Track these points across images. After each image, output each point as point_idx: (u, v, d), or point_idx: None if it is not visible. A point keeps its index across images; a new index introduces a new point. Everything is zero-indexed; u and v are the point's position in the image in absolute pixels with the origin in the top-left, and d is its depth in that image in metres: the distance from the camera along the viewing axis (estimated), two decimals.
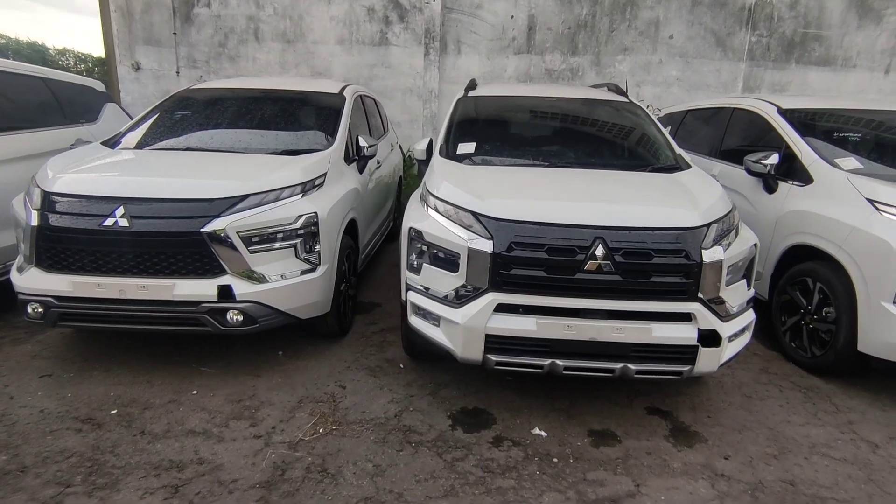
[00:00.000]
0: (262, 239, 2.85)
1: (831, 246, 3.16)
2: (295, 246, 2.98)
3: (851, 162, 3.43)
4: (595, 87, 4.73)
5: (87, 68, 18.26)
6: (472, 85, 4.35)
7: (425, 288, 2.66)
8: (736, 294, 2.51)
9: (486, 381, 3.07)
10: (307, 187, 3.14)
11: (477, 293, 2.44)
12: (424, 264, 2.66)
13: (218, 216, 2.74)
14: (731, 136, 4.59)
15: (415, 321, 2.71)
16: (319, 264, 3.11)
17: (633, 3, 8.38)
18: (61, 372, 3.06)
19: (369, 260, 4.70)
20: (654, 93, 8.59)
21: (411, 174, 8.25)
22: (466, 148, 3.42)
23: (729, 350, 2.45)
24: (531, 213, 2.44)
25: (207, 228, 2.70)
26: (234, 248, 2.76)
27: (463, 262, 2.47)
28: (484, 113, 3.97)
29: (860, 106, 4.18)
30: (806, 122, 3.91)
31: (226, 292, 2.76)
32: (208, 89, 4.34)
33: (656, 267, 2.33)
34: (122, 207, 2.70)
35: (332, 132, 3.86)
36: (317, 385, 3.02)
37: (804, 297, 3.39)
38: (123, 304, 2.74)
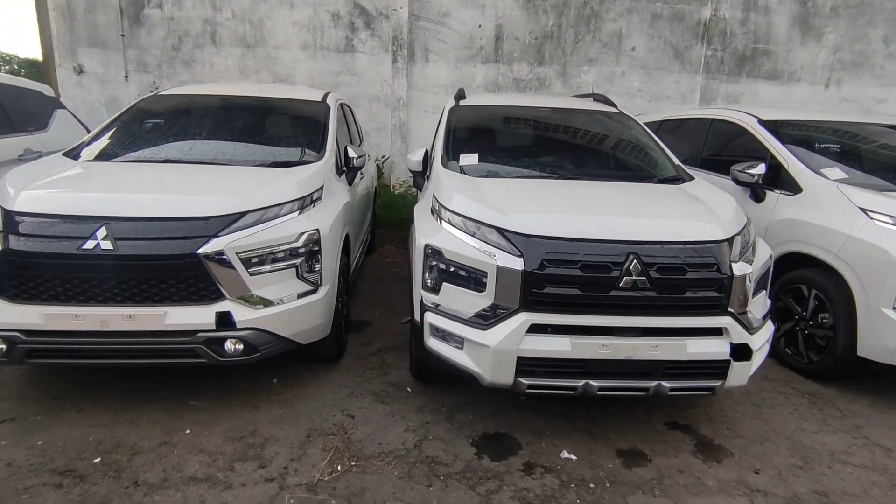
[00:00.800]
0: (262, 260, 2.61)
1: (827, 254, 3.25)
2: (297, 266, 2.76)
3: (837, 172, 3.56)
4: (580, 97, 4.74)
5: (12, 70, 16.93)
6: (461, 94, 4.25)
7: (445, 308, 2.51)
8: (759, 306, 2.52)
9: (500, 403, 2.95)
10: (306, 202, 2.93)
11: (507, 314, 2.32)
12: (444, 283, 2.52)
13: (215, 236, 2.49)
14: (711, 146, 4.70)
15: (434, 344, 2.56)
16: (321, 284, 2.89)
17: (596, 15, 8.57)
18: (26, 415, 2.69)
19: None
20: (619, 103, 8.69)
21: (381, 183, 8.07)
22: (469, 159, 3.31)
23: (756, 362, 2.45)
24: (562, 228, 2.34)
25: (204, 250, 2.44)
26: (233, 270, 2.51)
27: (490, 281, 2.34)
28: (479, 123, 3.87)
29: (832, 118, 4.38)
30: (786, 132, 4.05)
31: (225, 319, 2.51)
32: (180, 96, 4.02)
33: (690, 282, 2.29)
34: (103, 228, 2.40)
35: (320, 143, 3.65)
36: (322, 416, 2.80)
37: (798, 303, 3.48)
38: (106, 337, 2.43)
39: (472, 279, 2.42)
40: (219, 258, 2.47)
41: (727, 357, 2.33)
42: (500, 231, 2.41)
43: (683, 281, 2.29)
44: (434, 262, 2.56)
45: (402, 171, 8.64)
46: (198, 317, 2.49)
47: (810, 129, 4.22)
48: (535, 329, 2.29)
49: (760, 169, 3.76)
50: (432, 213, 2.82)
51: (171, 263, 2.43)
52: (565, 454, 2.54)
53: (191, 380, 3.03)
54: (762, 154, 4.00)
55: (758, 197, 3.88)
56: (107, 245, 2.38)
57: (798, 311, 3.47)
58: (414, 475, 2.34)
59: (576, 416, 2.85)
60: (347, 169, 3.88)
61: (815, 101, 8.94)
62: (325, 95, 4.31)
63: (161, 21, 8.16)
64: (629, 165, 3.44)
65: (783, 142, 3.92)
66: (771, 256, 2.71)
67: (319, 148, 3.60)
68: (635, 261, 2.26)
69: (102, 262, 2.39)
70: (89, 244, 2.37)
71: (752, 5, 8.56)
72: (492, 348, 2.30)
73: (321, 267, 2.88)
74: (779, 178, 3.80)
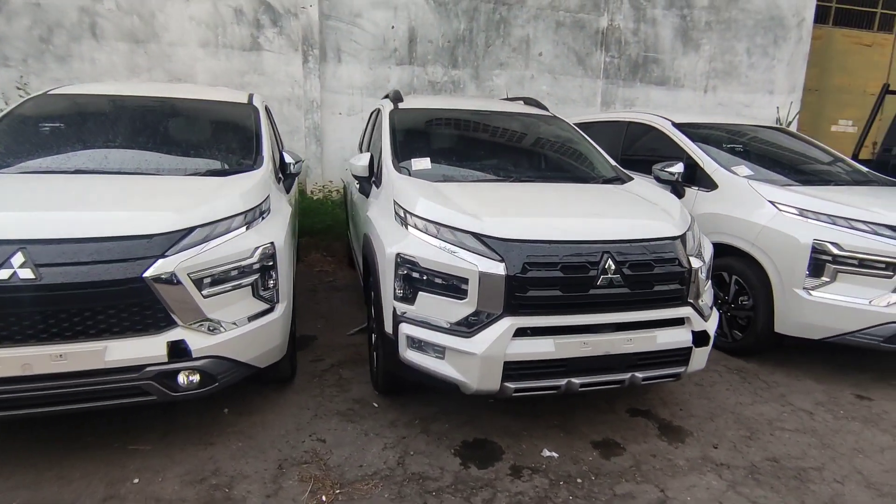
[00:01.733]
0: (216, 280, 2.35)
1: (744, 243, 3.62)
2: (253, 284, 2.52)
3: (744, 169, 3.99)
4: (510, 99, 4.85)
5: None
6: (398, 96, 4.16)
7: (423, 318, 2.44)
8: (708, 296, 2.74)
9: (472, 409, 2.93)
10: (256, 215, 2.69)
11: (491, 319, 2.30)
12: (420, 293, 2.44)
13: (162, 256, 2.19)
14: (629, 147, 5.04)
15: (412, 356, 2.47)
16: (278, 302, 2.68)
17: (505, 21, 8.85)
18: None
19: None
20: None
21: (298, 188, 7.69)
22: (422, 163, 3.25)
23: (709, 347, 2.65)
24: (541, 231, 2.37)
25: (151, 272, 2.15)
26: (185, 293, 2.24)
27: (472, 287, 2.31)
28: (423, 126, 3.82)
29: (729, 121, 4.91)
30: (697, 134, 4.46)
31: (178, 349, 2.22)
32: (80, 95, 3.51)
33: (657, 276, 2.43)
34: (20, 253, 2.02)
35: (255, 148, 3.38)
36: (290, 443, 2.59)
37: (720, 289, 3.84)
38: (30, 383, 2.05)
39: (451, 287, 2.37)
40: (168, 281, 2.18)
41: (689, 344, 2.51)
42: (478, 237, 2.38)
43: (651, 276, 2.42)
44: (407, 271, 2.48)
45: (317, 176, 8.32)
46: (145, 349, 2.18)
47: (715, 131, 4.68)
48: (519, 333, 2.29)
49: (679, 168, 4.09)
50: (397, 219, 2.72)
51: (111, 291, 2.11)
52: (546, 452, 2.58)
53: (123, 420, 2.66)
54: (678, 154, 4.36)
55: (678, 193, 4.21)
56: (26, 274, 2.00)
57: (721, 296, 3.83)
58: (405, 495, 2.25)
59: (546, 414, 2.91)
60: (284, 176, 3.64)
61: (697, 105, 9.96)
62: (251, 96, 4.01)
63: (25, 7, 7.11)
64: (574, 167, 3.58)
65: (696, 143, 4.31)
66: (712, 250, 2.96)
67: (254, 154, 3.33)
68: (609, 260, 2.35)
69: (21, 294, 2.00)
70: (3, 273, 1.98)
71: (641, 17, 9.33)
72: (479, 355, 2.27)
73: (277, 283, 2.66)
74: (695, 176, 4.16)
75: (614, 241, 2.39)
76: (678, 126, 4.52)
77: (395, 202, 2.80)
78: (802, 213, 3.40)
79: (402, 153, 3.38)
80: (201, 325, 2.30)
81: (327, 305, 4.63)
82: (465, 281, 2.32)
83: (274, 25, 7.96)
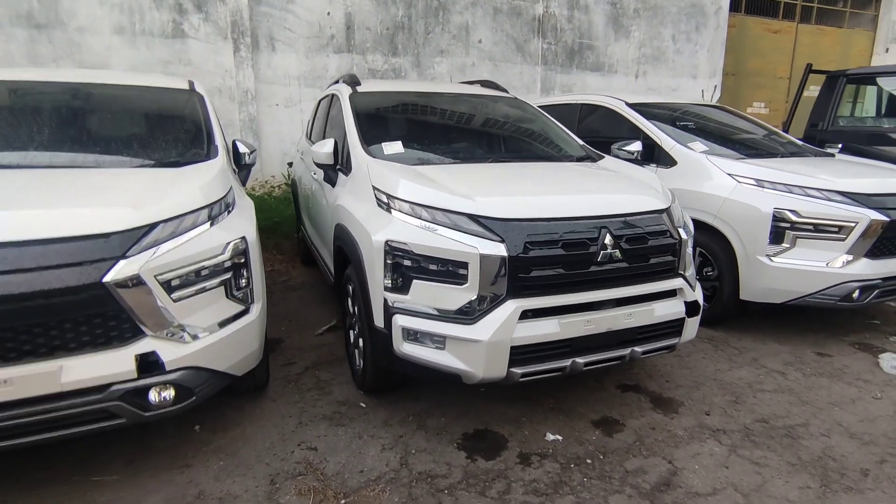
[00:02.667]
0: (186, 281, 2.08)
1: (708, 216, 3.74)
2: (226, 283, 2.27)
3: (699, 145, 4.12)
4: (468, 83, 4.75)
5: None
6: (354, 80, 3.94)
7: (419, 308, 2.29)
8: (692, 267, 2.78)
9: (465, 399, 2.82)
10: (221, 208, 2.42)
11: (494, 303, 2.20)
12: (415, 281, 2.29)
13: (123, 256, 1.90)
14: (584, 128, 5.09)
15: (409, 349, 2.32)
16: (253, 302, 2.43)
17: (444, 7, 8.73)
18: None
19: None
20: None
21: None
22: (393, 147, 3.08)
23: (699, 316, 2.69)
24: (538, 209, 2.29)
25: (112, 276, 1.85)
26: (152, 298, 1.96)
27: (473, 271, 2.19)
28: (387, 109, 3.63)
29: (674, 101, 5.07)
30: (650, 113, 4.56)
31: (149, 362, 1.95)
32: None
33: (652, 249, 2.43)
34: None
35: (206, 137, 3.07)
36: (278, 456, 2.37)
37: None
38: None
39: (448, 272, 2.24)
40: (133, 285, 1.90)
41: (683, 315, 2.53)
42: (474, 218, 2.26)
43: (647, 249, 2.41)
44: (398, 259, 2.32)
45: (256, 172, 7.84)
46: (109, 365, 1.89)
47: (665, 110, 4.81)
48: (524, 315, 2.20)
49: (637, 146, 4.14)
50: (379, 205, 2.54)
51: (65, 301, 1.80)
52: (550, 436, 2.52)
53: (78, 449, 2.32)
54: (634, 133, 4.44)
55: None
56: None
57: None
58: (417, 496, 2.11)
59: (540, 397, 2.86)
60: (239, 167, 3.34)
61: (630, 89, 10.31)
62: (191, 83, 3.66)
63: None
64: (546, 147, 3.54)
65: (651, 121, 4.41)
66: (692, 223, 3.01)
67: (206, 143, 3.02)
68: (608, 235, 2.31)
69: None
70: None
71: (575, 4, 9.51)
72: (485, 342, 2.16)
73: (251, 282, 2.41)
74: (653, 154, 4.25)
75: (610, 216, 2.36)
76: (632, 106, 4.60)
77: (376, 187, 2.62)
78: (760, 183, 3.55)
79: (369, 138, 3.19)
80: (173, 332, 2.03)
81: (287, 306, 4.35)
82: (465, 265, 2.20)
83: (199, 11, 7.38)
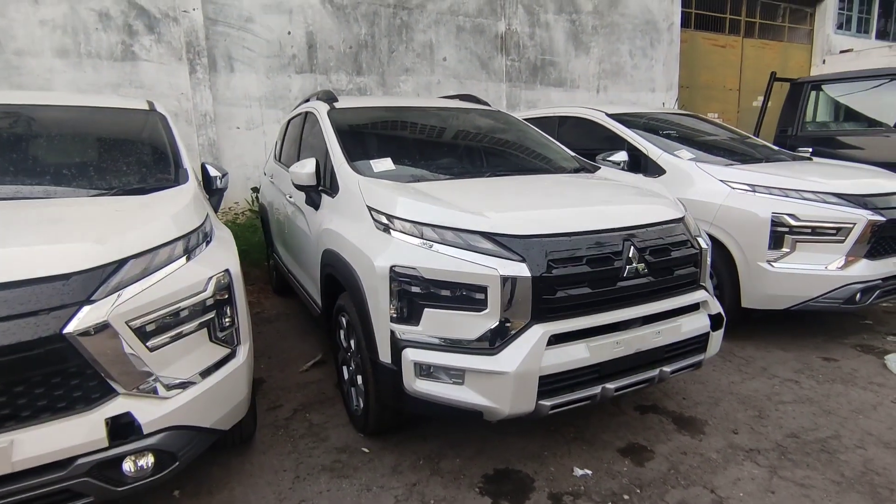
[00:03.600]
0: (163, 325, 1.77)
1: (704, 224, 3.65)
2: (209, 325, 1.96)
3: (686, 153, 4.07)
4: (448, 97, 4.59)
5: None
6: (331, 96, 3.70)
7: (432, 339, 2.05)
8: (709, 279, 2.65)
9: (477, 437, 2.57)
10: (199, 238, 2.12)
11: (519, 330, 1.98)
12: (426, 310, 2.05)
13: (88, 301, 1.58)
14: (563, 140, 5.00)
15: (422, 386, 2.06)
16: (239, 344, 2.13)
17: (407, 26, 8.63)
18: None
19: None
20: None
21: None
22: (383, 164, 2.85)
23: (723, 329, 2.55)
24: (558, 224, 2.10)
25: (75, 326, 1.53)
26: (123, 348, 1.64)
27: (493, 294, 1.97)
28: (369, 126, 3.41)
29: (649, 111, 5.08)
30: (631, 123, 4.51)
31: (122, 426, 1.62)
32: None
33: (676, 261, 2.28)
34: None
35: (172, 160, 2.77)
36: None
37: None
38: None
39: (464, 297, 2.01)
40: (100, 333, 1.58)
41: (708, 329, 2.38)
42: (489, 236, 2.05)
43: (671, 261, 2.26)
44: (405, 286, 2.07)
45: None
46: (73, 435, 1.55)
47: (644, 120, 4.78)
48: (552, 341, 1.99)
49: (623, 156, 4.06)
50: (377, 227, 2.30)
51: (16, 359, 1.46)
52: (578, 471, 2.30)
53: None
54: (617, 144, 4.37)
55: None
56: None
57: None
58: None
59: (557, 426, 2.64)
60: (210, 193, 3.03)
61: (593, 103, 10.46)
62: (151, 103, 3.33)
63: None
64: (540, 159, 3.38)
65: (634, 131, 4.35)
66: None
67: (173, 168, 2.71)
68: (632, 247, 2.14)
69: None
70: None
71: (536, 22, 9.62)
72: (511, 373, 1.93)
73: (236, 321, 2.11)
74: (639, 164, 4.18)
75: (633, 227, 2.20)
76: (613, 116, 4.55)
77: (372, 207, 2.37)
78: (755, 188, 3.50)
79: (355, 155, 2.95)
80: (149, 388, 1.71)
81: (264, 340, 3.99)
82: (483, 289, 1.98)
83: (150, 32, 7.00)
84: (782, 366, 3.30)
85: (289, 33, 7.82)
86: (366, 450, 2.51)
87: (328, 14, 8.09)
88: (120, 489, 1.65)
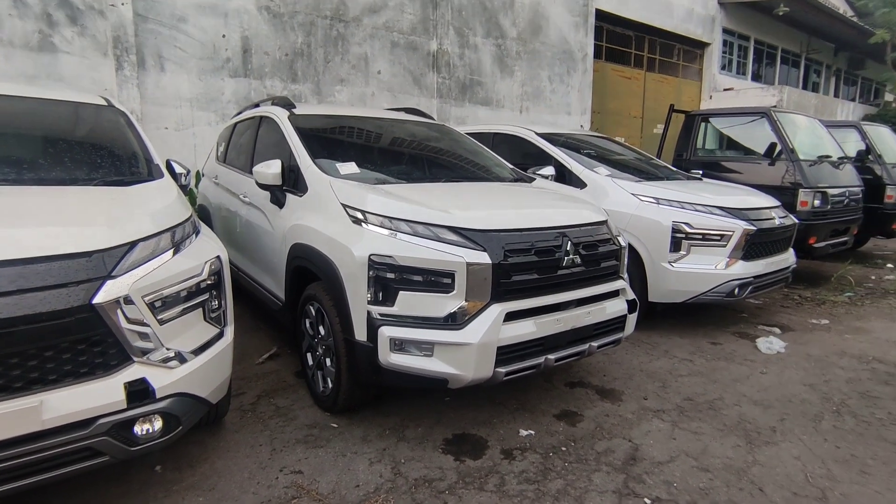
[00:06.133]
0: (169, 302, 1.96)
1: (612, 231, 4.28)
2: (203, 305, 2.16)
3: (604, 170, 4.71)
4: (394, 109, 4.94)
5: None
6: (289, 103, 3.93)
7: (407, 318, 2.38)
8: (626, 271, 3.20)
9: (432, 409, 2.92)
10: (191, 226, 2.31)
11: (481, 308, 2.36)
12: (401, 292, 2.38)
13: (110, 276, 1.75)
14: (498, 154, 5.52)
15: (396, 359, 2.38)
16: (226, 325, 2.33)
17: (343, 38, 8.88)
18: None
19: None
20: None
21: None
22: (348, 168, 3.14)
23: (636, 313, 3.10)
24: (511, 222, 2.52)
25: (102, 297, 1.70)
26: (140, 321, 1.82)
27: (460, 279, 2.34)
28: (331, 133, 3.67)
29: (574, 132, 5.73)
30: (557, 141, 5.10)
31: (139, 391, 1.79)
32: None
33: (601, 255, 2.78)
34: None
35: (143, 156, 2.88)
36: (263, 484, 2.26)
37: None
38: None
39: (435, 282, 2.36)
40: (123, 305, 1.75)
41: (626, 312, 2.91)
42: (455, 230, 2.43)
43: (598, 255, 2.76)
44: (382, 272, 2.39)
45: None
46: (96, 396, 1.70)
47: (568, 139, 5.41)
48: (507, 318, 2.40)
49: (550, 171, 4.62)
50: (353, 222, 2.60)
51: (48, 326, 1.61)
52: (523, 432, 2.71)
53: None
54: (544, 160, 4.93)
55: None
56: None
57: None
58: (421, 500, 2.16)
59: (503, 399, 3.05)
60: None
61: (516, 122, 11.24)
62: (108, 99, 3.39)
63: None
64: (485, 169, 3.81)
65: (559, 149, 4.95)
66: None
67: (146, 162, 2.83)
68: (569, 242, 2.61)
69: None
70: None
71: (465, 43, 10.24)
72: (475, 344, 2.31)
73: (224, 304, 2.31)
74: (564, 177, 4.77)
75: (569, 226, 2.67)
76: (542, 136, 5.13)
77: (347, 205, 2.67)
78: (659, 201, 4.18)
79: (319, 158, 3.22)
80: (160, 357, 1.89)
81: None
82: (451, 274, 2.35)
83: (72, 23, 6.71)
84: (680, 349, 3.96)
85: (224, 36, 7.79)
86: (334, 425, 2.76)
87: (265, 21, 8.15)
88: (133, 449, 1.81)
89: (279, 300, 3.38)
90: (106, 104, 3.26)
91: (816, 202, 5.61)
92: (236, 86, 8.01)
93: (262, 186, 3.28)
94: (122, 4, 6.89)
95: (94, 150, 2.80)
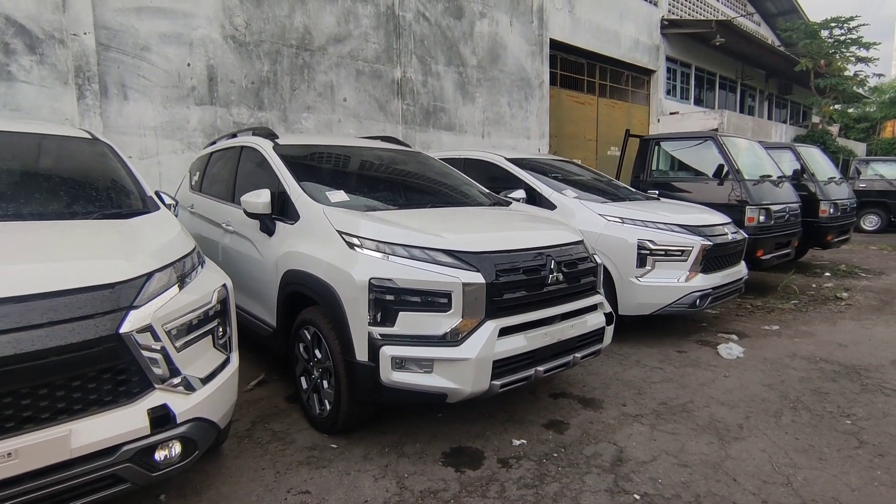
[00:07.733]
0: (184, 329, 2.03)
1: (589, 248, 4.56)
2: (213, 332, 2.23)
3: (571, 192, 5.00)
4: (370, 138, 5.10)
5: None
6: (271, 133, 4.04)
7: (407, 337, 2.52)
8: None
9: (428, 427, 3.04)
10: (197, 257, 2.39)
11: (476, 325, 2.53)
12: (401, 313, 2.52)
13: (132, 307, 1.82)
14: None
15: (397, 377, 2.50)
16: (232, 351, 2.40)
17: (309, 66, 9.03)
18: None
19: None
20: None
21: None
22: (338, 196, 3.27)
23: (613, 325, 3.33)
24: (499, 243, 2.71)
25: (127, 327, 1.76)
26: (161, 348, 1.88)
27: (457, 298, 2.50)
28: (316, 162, 3.80)
29: (542, 157, 6.05)
30: (526, 165, 5.38)
31: (161, 417, 1.85)
32: None
33: (581, 272, 3.00)
34: None
35: (135, 188, 2.93)
36: None
37: None
38: None
39: (432, 302, 2.51)
40: (145, 333, 1.82)
41: (604, 324, 3.13)
42: (449, 252, 2.60)
43: (578, 272, 2.98)
44: (380, 295, 2.52)
45: None
46: (121, 424, 1.75)
47: (535, 163, 5.70)
48: (501, 333, 2.57)
49: (521, 194, 4.89)
50: (349, 248, 2.72)
51: (77, 356, 1.66)
52: (516, 441, 2.87)
53: None
54: (514, 183, 5.20)
55: None
56: None
57: None
58: None
59: (492, 412, 3.20)
60: None
61: (479, 147, 11.62)
62: (90, 132, 3.43)
63: None
64: (464, 194, 4.00)
65: (528, 173, 5.23)
66: None
67: (140, 195, 2.88)
68: (553, 261, 2.82)
69: None
70: None
71: (428, 71, 10.57)
72: (473, 359, 2.46)
73: (230, 331, 2.39)
74: (534, 200, 5.04)
75: (551, 246, 2.89)
76: (511, 161, 5.40)
77: (342, 231, 2.80)
78: (624, 220, 4.49)
79: (308, 188, 3.33)
80: (178, 384, 1.95)
81: None
82: (448, 294, 2.50)
83: (31, 52, 6.60)
84: (650, 358, 4.22)
85: (188, 65, 7.80)
86: (334, 445, 2.83)
87: (230, 49, 8.22)
88: (153, 475, 1.86)
89: (269, 326, 3.44)
90: (91, 137, 3.29)
91: (762, 218, 6.11)
92: (202, 114, 7.99)
93: (251, 215, 3.37)
94: (85, 34, 6.83)
95: (88, 184, 2.83)
